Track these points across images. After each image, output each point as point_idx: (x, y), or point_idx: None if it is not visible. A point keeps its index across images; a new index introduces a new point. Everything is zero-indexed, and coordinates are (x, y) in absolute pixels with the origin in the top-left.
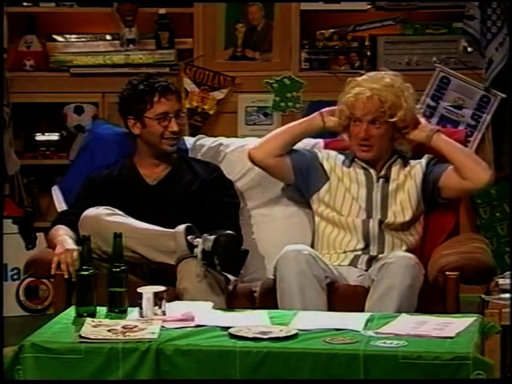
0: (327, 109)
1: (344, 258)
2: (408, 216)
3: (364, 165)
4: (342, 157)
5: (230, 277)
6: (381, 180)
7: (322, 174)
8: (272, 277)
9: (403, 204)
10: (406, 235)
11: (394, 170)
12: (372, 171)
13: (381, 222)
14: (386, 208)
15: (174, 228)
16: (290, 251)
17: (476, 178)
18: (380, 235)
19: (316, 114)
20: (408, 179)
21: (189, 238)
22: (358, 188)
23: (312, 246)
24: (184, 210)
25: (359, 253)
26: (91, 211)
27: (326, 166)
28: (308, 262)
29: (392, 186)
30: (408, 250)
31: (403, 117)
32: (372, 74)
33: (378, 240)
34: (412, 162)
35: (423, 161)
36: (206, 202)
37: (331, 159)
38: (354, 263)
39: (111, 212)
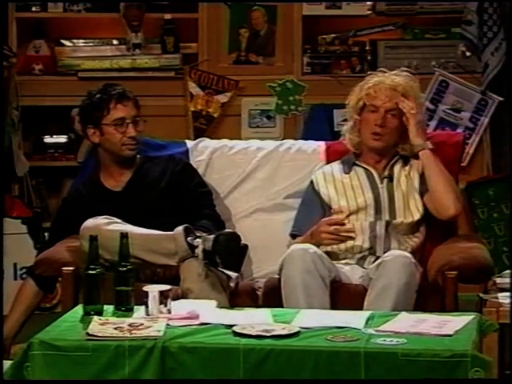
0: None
1: (351, 258)
2: (416, 216)
3: (365, 166)
4: (338, 166)
5: (231, 274)
6: (385, 180)
7: (325, 203)
8: (276, 276)
9: (410, 204)
10: (410, 238)
11: (396, 169)
12: (374, 172)
13: (388, 223)
14: (393, 208)
15: (150, 228)
16: (296, 250)
17: (441, 208)
18: (386, 236)
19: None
20: (408, 179)
21: (188, 239)
22: (362, 192)
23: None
24: (155, 208)
25: (366, 253)
26: (90, 222)
27: (324, 191)
28: (314, 261)
29: (396, 185)
30: (412, 251)
31: (415, 106)
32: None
33: (384, 242)
34: (413, 161)
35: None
36: (178, 195)
37: (328, 176)
38: (360, 263)
39: (109, 221)
